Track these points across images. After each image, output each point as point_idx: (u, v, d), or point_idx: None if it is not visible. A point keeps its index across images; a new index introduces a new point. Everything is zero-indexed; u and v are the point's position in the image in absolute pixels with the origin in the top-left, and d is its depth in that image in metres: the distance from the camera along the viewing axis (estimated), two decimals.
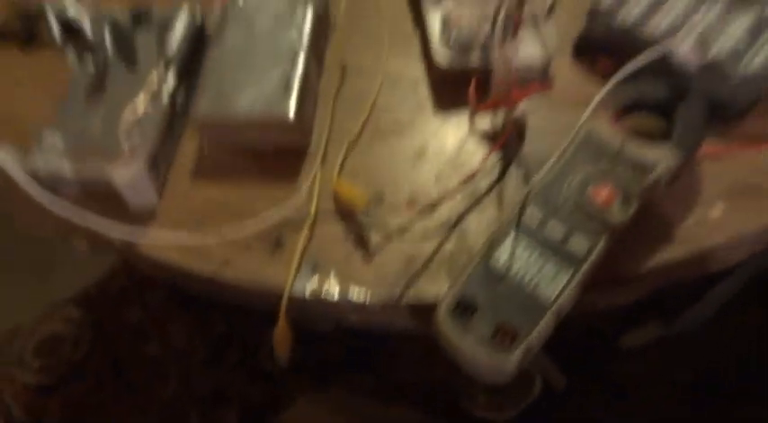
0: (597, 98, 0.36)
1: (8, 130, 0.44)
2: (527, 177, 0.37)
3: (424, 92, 0.44)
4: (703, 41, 0.38)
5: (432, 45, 0.43)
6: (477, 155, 0.40)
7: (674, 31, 0.39)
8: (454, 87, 0.42)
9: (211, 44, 0.43)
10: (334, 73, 0.45)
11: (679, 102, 0.36)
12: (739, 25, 0.39)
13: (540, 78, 0.43)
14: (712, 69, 0.38)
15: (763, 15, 0.39)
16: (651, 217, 0.35)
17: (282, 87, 0.39)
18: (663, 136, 0.35)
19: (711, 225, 0.36)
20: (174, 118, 0.41)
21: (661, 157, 0.34)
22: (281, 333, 0.35)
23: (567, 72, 0.43)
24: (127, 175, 0.36)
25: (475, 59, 0.42)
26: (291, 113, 0.39)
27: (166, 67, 0.42)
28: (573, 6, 0.45)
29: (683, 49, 0.36)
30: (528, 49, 0.44)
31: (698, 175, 0.37)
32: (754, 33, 0.38)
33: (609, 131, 0.35)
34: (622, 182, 0.33)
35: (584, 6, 0.43)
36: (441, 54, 0.43)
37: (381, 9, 0.48)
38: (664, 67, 0.37)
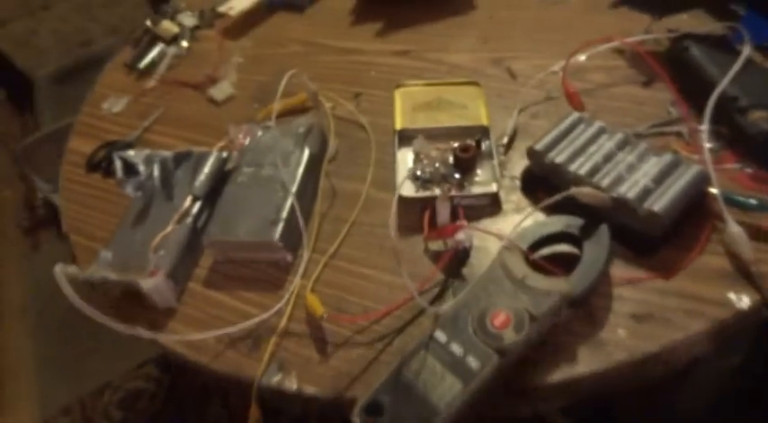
0: (510, 234, 0.43)
1: (82, 242, 0.59)
2: (455, 292, 0.44)
3: (393, 217, 0.53)
4: (617, 180, 0.45)
5: (398, 179, 0.53)
6: (427, 271, 0.48)
7: (593, 172, 0.46)
8: (415, 213, 0.51)
9: (228, 180, 0.55)
10: (324, 198, 0.55)
11: (586, 237, 0.43)
12: (650, 168, 0.45)
13: (490, 206, 0.51)
14: (623, 205, 0.44)
15: (670, 161, 0.45)
16: (558, 337, 0.41)
17: (273, 218, 0.50)
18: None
19: (614, 345, 0.41)
20: (195, 238, 0.53)
21: (557, 288, 0.40)
22: (254, 414, 0.44)
23: (513, 201, 0.51)
24: (150, 285, 0.48)
25: (433, 192, 0.51)
26: (277, 237, 0.49)
27: (193, 198, 0.54)
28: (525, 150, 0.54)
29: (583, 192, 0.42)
30: (482, 182, 0.52)
31: (606, 299, 0.43)
32: (661, 177, 0.44)
33: (517, 263, 0.42)
34: (519, 309, 0.39)
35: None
36: (405, 187, 0.52)
37: (371, 147, 0.59)
38: (579, 205, 0.44)
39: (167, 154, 0.59)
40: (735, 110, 0.48)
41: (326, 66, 0.72)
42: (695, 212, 0.45)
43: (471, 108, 0.59)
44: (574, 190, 0.43)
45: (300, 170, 0.54)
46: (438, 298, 0.46)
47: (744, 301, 0.40)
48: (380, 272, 0.49)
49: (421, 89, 0.62)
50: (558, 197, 0.42)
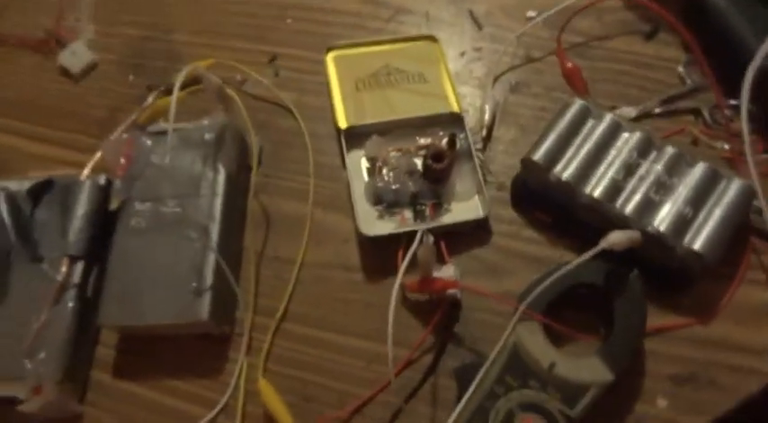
0: (522, 306, 0.33)
1: None
2: (461, 381, 0.35)
3: (353, 253, 0.40)
4: (645, 205, 0.35)
5: (355, 207, 0.40)
6: (411, 331, 0.37)
7: (613, 193, 0.35)
8: (383, 250, 0.39)
9: (117, 224, 0.39)
10: (256, 227, 0.42)
11: (615, 290, 0.34)
12: (683, 185, 0.35)
13: (476, 229, 0.40)
14: (656, 240, 0.34)
15: (707, 175, 0.35)
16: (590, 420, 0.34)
17: (194, 284, 0.37)
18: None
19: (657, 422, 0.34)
20: (86, 311, 0.38)
21: (594, 377, 0.31)
22: None
23: (504, 223, 0.40)
24: (37, 405, 0.35)
25: (403, 220, 0.39)
26: (206, 315, 0.36)
27: (71, 259, 0.38)
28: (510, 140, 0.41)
29: (618, 239, 0.32)
30: (462, 195, 0.40)
31: (638, 361, 0.35)
32: (699, 198, 0.35)
33: (540, 345, 0.33)
34: (553, 413, 0.31)
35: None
36: (365, 220, 0.39)
37: (305, 145, 0.44)
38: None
39: (16, 186, 0.41)
40: None
41: (221, 11, 0.53)
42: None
43: (432, 79, 0.45)
44: (605, 243, 0.32)
45: (219, 202, 0.40)
46: (433, 371, 0.36)
47: None
48: (349, 337, 0.38)
49: (361, 53, 0.47)
50: (588, 255, 0.32)
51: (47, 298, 0.37)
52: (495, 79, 0.45)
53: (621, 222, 0.35)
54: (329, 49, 0.47)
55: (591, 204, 0.36)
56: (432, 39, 0.47)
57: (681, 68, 0.43)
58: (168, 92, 0.44)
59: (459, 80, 0.45)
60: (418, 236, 0.35)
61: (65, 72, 0.51)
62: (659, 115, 0.42)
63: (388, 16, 0.50)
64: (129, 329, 0.38)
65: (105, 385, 0.39)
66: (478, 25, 0.48)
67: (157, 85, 0.48)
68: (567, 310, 0.35)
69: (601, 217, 0.36)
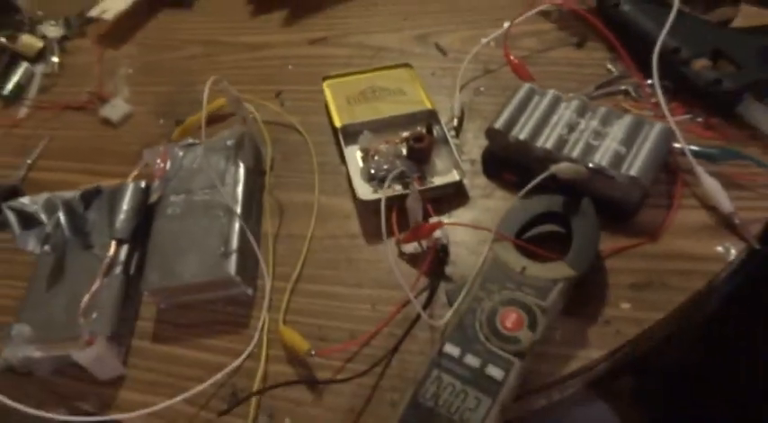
0: (497, 225, 0.40)
1: None
2: (451, 297, 0.41)
3: (354, 225, 0.48)
4: (587, 150, 0.43)
5: (353, 181, 0.48)
6: (408, 278, 0.44)
7: (560, 144, 0.44)
8: (379, 216, 0.46)
9: (155, 214, 0.47)
10: (272, 215, 0.49)
11: (572, 214, 0.41)
12: (615, 132, 0.43)
13: (456, 196, 0.48)
14: (599, 174, 0.42)
15: (633, 122, 0.44)
16: (565, 322, 0.39)
17: (222, 249, 0.44)
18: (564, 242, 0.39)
19: (622, 321, 0.39)
20: (130, 287, 0.45)
21: (560, 273, 0.38)
22: None
23: (479, 187, 0.48)
24: (90, 356, 0.40)
25: (394, 189, 0.47)
26: (233, 271, 0.43)
27: (118, 242, 0.46)
28: (478, 129, 0.51)
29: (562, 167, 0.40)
30: (442, 171, 0.48)
31: (600, 275, 0.41)
32: (629, 139, 0.43)
33: (511, 255, 0.39)
34: (528, 304, 0.36)
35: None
36: (362, 189, 0.47)
37: (310, 150, 0.53)
38: (556, 183, 0.42)
39: (71, 194, 0.49)
40: (678, 61, 0.48)
41: (234, 66, 0.64)
42: (663, 170, 0.45)
43: (410, 92, 0.55)
44: (554, 168, 0.40)
45: (240, 188, 0.48)
46: (428, 304, 0.42)
47: (732, 252, 0.40)
48: (356, 288, 0.44)
49: (350, 79, 0.57)
50: (540, 179, 0.40)
51: (98, 273, 0.44)
52: (462, 87, 0.55)
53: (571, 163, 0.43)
54: (325, 79, 0.57)
55: (545, 155, 0.44)
56: (407, 65, 0.58)
57: (608, 64, 0.53)
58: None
59: (432, 92, 0.55)
60: (409, 188, 0.43)
61: (106, 122, 0.61)
62: (595, 97, 0.51)
63: (371, 55, 0.61)
64: (168, 293, 0.44)
65: (145, 349, 0.44)
66: (443, 52, 0.59)
67: (184, 120, 0.58)
68: (535, 242, 0.41)
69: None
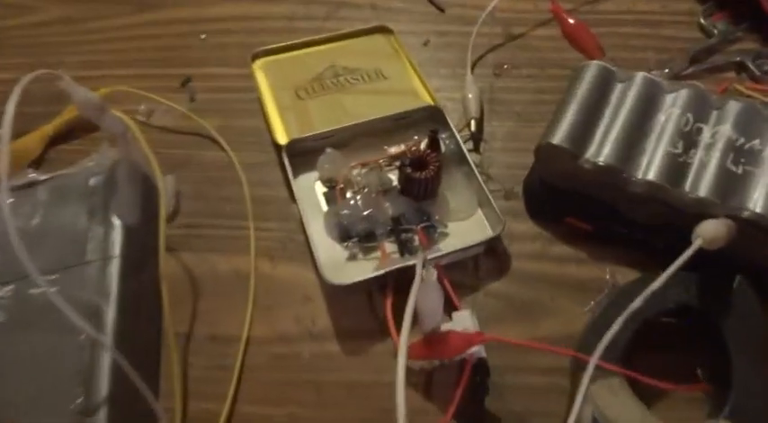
0: (596, 356, 0.21)
1: None
2: None
3: (321, 315, 0.28)
4: (723, 182, 0.24)
5: (311, 242, 0.28)
6: (423, 417, 0.25)
7: (674, 171, 0.25)
8: (362, 300, 0.27)
9: None
10: (178, 299, 0.29)
11: (716, 309, 0.22)
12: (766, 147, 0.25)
13: (486, 256, 0.29)
14: (752, 228, 0.24)
15: None
16: None
17: (80, 398, 0.23)
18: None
19: None
20: None
21: None
22: None
23: (524, 240, 0.29)
24: None
25: (385, 258, 0.27)
26: None
27: None
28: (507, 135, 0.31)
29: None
30: (459, 210, 0.29)
31: None
32: None
33: (631, 414, 0.21)
34: None
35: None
36: (327, 259, 0.28)
37: (238, 178, 0.33)
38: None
39: None
40: None
41: (112, 37, 0.42)
42: None
43: (393, 76, 0.35)
44: (700, 239, 0.21)
45: (115, 268, 0.27)
46: None
47: None
48: None
49: (297, 56, 0.36)
50: (682, 260, 0.21)
51: None
52: (474, 64, 0.35)
53: (698, 209, 0.24)
54: (255, 57, 0.36)
55: (647, 192, 0.25)
56: (384, 30, 0.37)
57: (702, 19, 0.34)
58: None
59: (428, 72, 0.35)
60: (418, 270, 0.23)
61: None
62: (690, 76, 0.32)
63: (324, 14, 0.40)
64: None
65: None
66: (440, 7, 0.39)
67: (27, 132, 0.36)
68: (643, 353, 0.23)
69: (664, 209, 0.25)
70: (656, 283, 0.20)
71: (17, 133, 0.32)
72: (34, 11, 0.44)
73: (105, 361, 0.24)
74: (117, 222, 0.28)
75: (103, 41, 0.42)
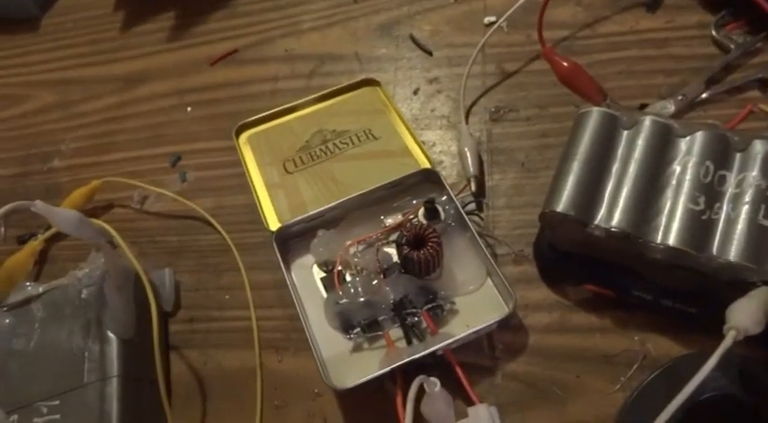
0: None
1: None
2: None
3: (333, 417, 0.27)
4: (752, 243, 0.22)
5: (310, 334, 0.26)
6: None
7: (696, 232, 0.22)
8: (375, 399, 0.26)
9: None
10: (185, 402, 0.28)
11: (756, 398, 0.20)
12: None
13: (500, 332, 0.26)
14: None
15: None
16: None
17: None
18: None
19: None
20: None
21: None
22: None
23: (540, 310, 0.27)
24: None
25: (392, 351, 0.26)
26: None
27: None
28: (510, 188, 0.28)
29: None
30: (466, 283, 0.27)
31: None
32: None
33: None
34: None
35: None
36: (330, 352, 0.26)
37: (235, 262, 0.32)
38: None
39: None
40: None
41: (104, 117, 0.41)
42: None
43: (383, 134, 0.33)
44: (732, 332, 0.19)
45: (114, 388, 0.26)
46: None
47: None
48: None
49: (282, 123, 0.35)
50: (714, 360, 0.18)
51: None
52: (468, 111, 0.33)
53: (728, 274, 0.21)
54: (240, 130, 0.35)
55: (669, 259, 0.22)
56: (370, 83, 0.35)
57: (714, 32, 0.31)
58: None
59: (421, 125, 0.33)
60: (414, 385, 0.21)
61: None
62: (707, 102, 0.29)
63: (308, 71, 0.38)
64: None
65: None
66: (426, 50, 0.36)
67: (33, 234, 0.36)
68: None
69: (691, 275, 0.22)
70: (688, 388, 0.18)
71: (9, 251, 0.32)
72: (28, 99, 0.44)
73: None
74: (112, 337, 0.27)
75: (95, 124, 0.41)
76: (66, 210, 0.26)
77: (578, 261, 0.26)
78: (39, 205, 0.25)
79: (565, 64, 0.28)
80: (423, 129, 0.33)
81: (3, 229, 0.38)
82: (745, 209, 0.22)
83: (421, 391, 0.22)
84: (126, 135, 0.40)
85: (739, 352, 0.20)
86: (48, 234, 0.34)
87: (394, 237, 0.29)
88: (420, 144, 0.31)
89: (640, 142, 0.25)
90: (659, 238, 0.23)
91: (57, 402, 0.26)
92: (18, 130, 0.43)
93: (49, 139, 0.41)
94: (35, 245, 0.31)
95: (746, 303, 0.19)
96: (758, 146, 0.23)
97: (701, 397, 0.20)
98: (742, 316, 0.19)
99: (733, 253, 0.21)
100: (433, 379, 0.21)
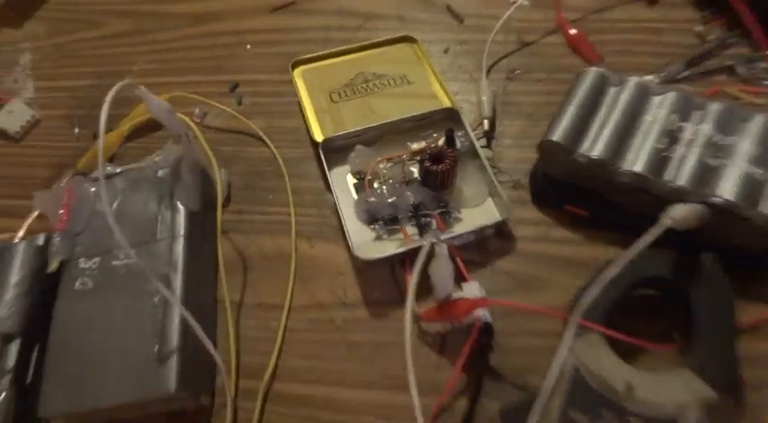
0: (576, 314, 0.25)
1: None
2: (508, 417, 0.27)
3: (351, 287, 0.33)
4: (701, 172, 0.28)
5: (345, 225, 0.32)
6: (437, 371, 0.29)
7: (657, 164, 0.29)
8: (387, 274, 0.32)
9: (59, 289, 0.32)
10: (231, 272, 0.34)
11: (688, 281, 0.26)
12: (742, 143, 0.28)
13: (497, 239, 0.33)
14: (725, 213, 0.27)
15: (766, 138, 0.28)
16: None
17: (155, 347, 0.29)
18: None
19: None
20: (26, 401, 0.30)
21: (689, 395, 0.23)
22: None
23: (529, 225, 0.33)
24: None
25: (406, 238, 0.32)
26: (173, 386, 0.28)
27: (3, 338, 0.31)
28: (517, 132, 0.35)
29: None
30: (472, 199, 0.33)
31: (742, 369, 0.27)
32: (765, 160, 0.28)
33: (610, 364, 0.25)
34: None
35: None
36: (358, 238, 0.32)
37: (281, 171, 0.38)
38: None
39: None
40: None
41: (172, 47, 0.48)
42: None
43: (417, 80, 0.39)
44: (670, 214, 0.25)
45: (180, 245, 0.32)
46: (470, 417, 0.28)
47: None
48: (360, 388, 0.30)
49: (330, 64, 0.41)
50: (652, 236, 0.25)
51: None
52: (489, 69, 0.39)
53: (677, 197, 0.28)
54: (295, 65, 0.41)
55: (633, 182, 0.29)
56: (409, 39, 0.41)
57: (697, 27, 0.37)
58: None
59: (448, 77, 0.40)
60: (425, 248, 0.28)
61: (2, 134, 0.45)
62: (685, 79, 0.36)
63: (356, 25, 0.45)
64: (81, 418, 0.30)
65: None
66: (459, 18, 0.43)
67: (110, 130, 0.42)
68: (626, 319, 0.27)
69: (648, 197, 0.29)
70: (630, 253, 0.24)
71: (83, 148, 0.38)
72: (104, 25, 0.51)
73: (175, 319, 0.30)
74: (181, 207, 0.34)
75: (164, 52, 0.47)
76: (160, 99, 0.32)
77: (562, 187, 0.32)
78: (142, 89, 0.31)
79: (572, 31, 0.35)
80: (449, 80, 0.40)
81: (77, 129, 0.44)
82: (695, 151, 0.29)
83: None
84: (190, 63, 0.46)
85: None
86: (132, 121, 0.40)
87: (417, 159, 0.35)
88: (446, 90, 0.38)
89: (623, 96, 0.31)
90: (627, 166, 0.29)
91: (134, 251, 0.32)
92: (94, 50, 0.49)
93: (121, 60, 0.48)
94: (123, 130, 0.37)
95: (683, 205, 0.25)
96: (714, 106, 0.30)
97: (641, 279, 0.27)
98: (678, 209, 0.25)
99: (681, 180, 0.28)
100: (443, 243, 0.27)
